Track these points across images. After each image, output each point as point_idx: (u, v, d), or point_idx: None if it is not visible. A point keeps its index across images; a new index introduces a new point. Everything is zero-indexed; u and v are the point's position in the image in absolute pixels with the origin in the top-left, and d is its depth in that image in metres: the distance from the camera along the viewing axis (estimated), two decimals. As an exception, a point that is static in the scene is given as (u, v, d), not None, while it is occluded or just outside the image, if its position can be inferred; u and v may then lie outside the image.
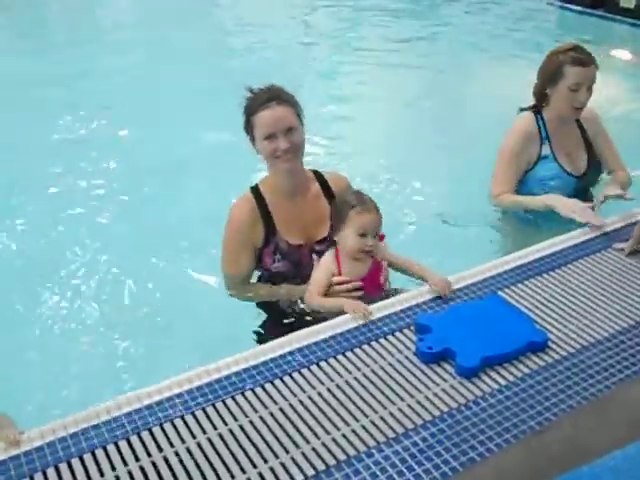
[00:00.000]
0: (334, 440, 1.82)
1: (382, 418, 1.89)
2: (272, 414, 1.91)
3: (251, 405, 1.95)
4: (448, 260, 3.05)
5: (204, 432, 1.86)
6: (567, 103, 3.23)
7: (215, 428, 1.87)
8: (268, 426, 1.87)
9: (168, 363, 2.70)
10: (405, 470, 1.73)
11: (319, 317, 2.47)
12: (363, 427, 1.86)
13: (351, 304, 2.36)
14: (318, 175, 2.81)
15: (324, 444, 1.81)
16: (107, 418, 1.91)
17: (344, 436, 1.83)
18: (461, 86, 6.18)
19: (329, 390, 1.99)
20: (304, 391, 1.99)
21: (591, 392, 1.96)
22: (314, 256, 2.69)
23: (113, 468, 1.75)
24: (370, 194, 2.59)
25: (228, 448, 1.80)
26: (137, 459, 1.77)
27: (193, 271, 3.31)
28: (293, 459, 1.76)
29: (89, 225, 3.86)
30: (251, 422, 1.89)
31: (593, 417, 1.89)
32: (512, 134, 3.37)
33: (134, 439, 1.84)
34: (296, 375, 2.06)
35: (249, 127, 2.64)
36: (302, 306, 2.61)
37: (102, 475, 1.73)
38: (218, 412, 1.92)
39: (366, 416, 1.90)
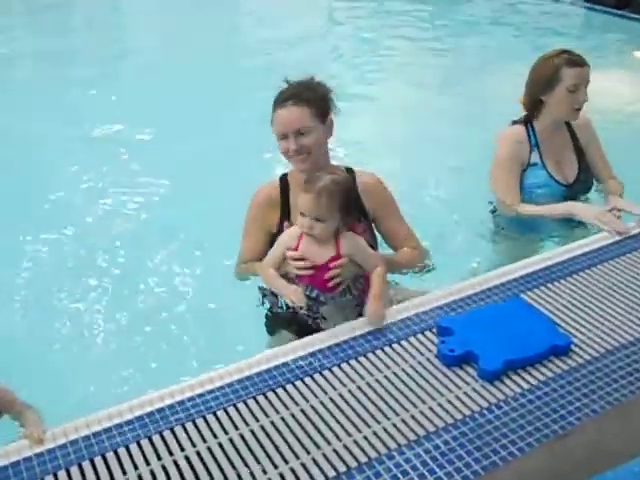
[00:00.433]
0: (355, 442, 1.82)
1: (403, 420, 1.89)
2: (293, 415, 1.92)
3: (272, 406, 1.95)
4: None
5: (226, 432, 1.86)
6: (566, 106, 3.21)
7: (237, 428, 1.88)
8: (289, 427, 1.88)
9: (188, 364, 2.71)
10: (427, 473, 1.72)
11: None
12: (384, 429, 1.86)
13: (291, 292, 2.36)
14: (348, 173, 2.74)
15: (345, 446, 1.81)
16: (130, 417, 1.92)
17: (365, 438, 1.83)
18: (482, 84, 6.16)
19: (350, 392, 1.99)
20: (325, 393, 1.99)
21: (615, 397, 1.95)
22: None
23: (135, 467, 1.76)
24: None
25: (249, 448, 1.81)
26: (159, 458, 1.78)
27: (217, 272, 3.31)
28: (314, 460, 1.77)
29: (106, 228, 3.90)
30: (272, 423, 1.89)
31: (617, 422, 1.88)
32: (502, 142, 3.34)
33: (156, 438, 1.85)
34: (317, 377, 2.06)
35: (271, 122, 2.66)
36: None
37: (124, 474, 1.74)
38: (239, 412, 1.93)
39: (388, 418, 1.90)
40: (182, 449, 1.81)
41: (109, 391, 2.57)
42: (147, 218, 3.98)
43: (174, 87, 5.92)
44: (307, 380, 2.04)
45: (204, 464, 1.76)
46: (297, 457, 1.77)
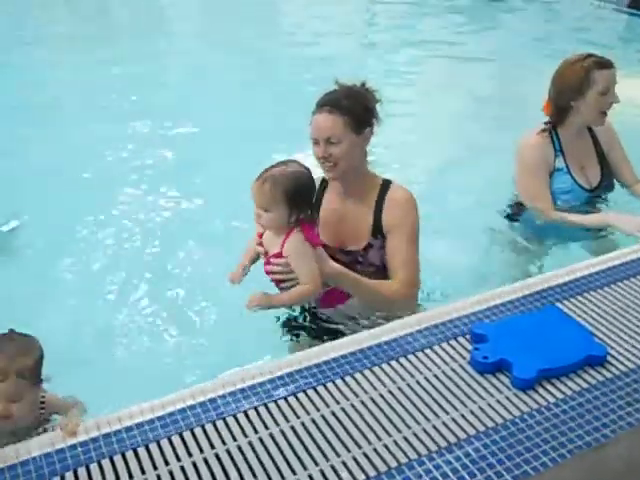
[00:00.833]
0: (386, 446, 1.81)
1: (434, 427, 1.87)
2: (324, 417, 1.91)
3: (303, 407, 1.95)
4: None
5: (256, 431, 1.87)
6: (596, 110, 3.18)
7: (267, 428, 1.88)
8: (319, 429, 1.87)
9: (220, 361, 2.72)
10: (457, 480, 1.71)
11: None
12: (415, 434, 1.85)
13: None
14: (384, 186, 2.70)
15: (375, 449, 1.80)
16: (161, 413, 1.93)
17: (395, 442, 1.82)
18: (522, 87, 6.13)
19: (381, 395, 1.98)
20: (357, 395, 1.99)
21: (652, 410, 1.91)
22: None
23: (166, 463, 1.77)
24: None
25: (279, 448, 1.81)
26: (190, 455, 1.79)
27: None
28: (344, 463, 1.76)
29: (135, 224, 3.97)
30: (303, 424, 1.89)
31: (653, 436, 1.84)
32: (527, 148, 3.32)
33: (187, 435, 1.85)
34: (348, 379, 2.05)
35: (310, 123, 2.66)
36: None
37: (155, 468, 1.75)
38: (270, 412, 1.93)
39: (418, 423, 1.88)
40: (212, 447, 1.81)
41: (143, 386, 2.59)
42: (190, 220, 4.04)
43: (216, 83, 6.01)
44: (338, 382, 2.04)
45: (234, 462, 1.77)
46: (327, 459, 1.77)
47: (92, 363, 2.81)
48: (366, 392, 2.00)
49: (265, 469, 1.75)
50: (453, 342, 2.20)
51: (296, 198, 2.39)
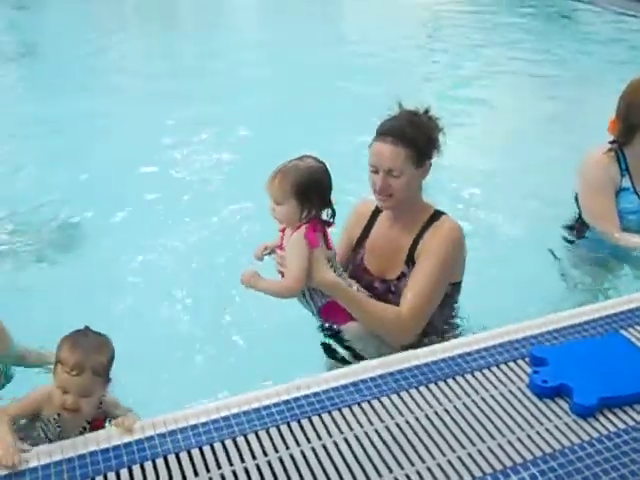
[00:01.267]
0: (439, 465, 1.78)
1: (490, 449, 1.84)
2: (377, 431, 1.90)
3: (357, 421, 1.94)
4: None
5: (308, 441, 1.86)
6: None
7: (309, 441, 1.86)
8: (373, 443, 1.85)
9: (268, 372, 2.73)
10: (511, 505, 1.68)
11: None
12: (469, 455, 1.82)
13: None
14: (434, 215, 2.60)
15: (429, 468, 1.77)
16: (215, 417, 1.95)
17: (449, 462, 1.79)
18: (591, 104, 6.03)
19: (437, 414, 1.96)
20: (412, 412, 1.96)
21: None
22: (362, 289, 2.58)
23: (219, 466, 1.78)
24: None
25: (320, 464, 1.79)
26: (242, 460, 1.80)
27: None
28: (396, 479, 1.74)
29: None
30: (356, 437, 1.88)
31: None
32: (592, 167, 3.24)
33: (240, 440, 1.86)
34: (404, 394, 2.03)
35: (369, 146, 2.59)
36: None
37: (208, 471, 1.77)
38: (313, 425, 1.92)
39: (473, 444, 1.85)
40: (254, 457, 1.81)
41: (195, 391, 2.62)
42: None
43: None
44: (393, 397, 2.02)
45: (285, 471, 1.77)
46: (379, 475, 1.75)
47: (145, 367, 2.84)
48: (421, 409, 1.98)
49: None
50: (512, 364, 2.16)
51: (306, 192, 2.37)
